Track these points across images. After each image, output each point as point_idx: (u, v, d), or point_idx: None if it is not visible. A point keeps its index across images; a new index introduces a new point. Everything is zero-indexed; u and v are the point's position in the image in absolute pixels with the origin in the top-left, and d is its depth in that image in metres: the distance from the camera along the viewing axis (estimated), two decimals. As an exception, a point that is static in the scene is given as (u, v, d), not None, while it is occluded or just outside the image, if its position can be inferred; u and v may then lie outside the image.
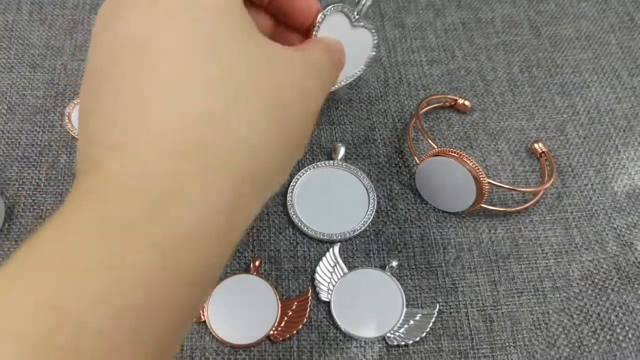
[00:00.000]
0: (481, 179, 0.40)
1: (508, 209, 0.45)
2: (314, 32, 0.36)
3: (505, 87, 0.52)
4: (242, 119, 0.25)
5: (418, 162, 0.44)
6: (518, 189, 0.43)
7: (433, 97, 0.49)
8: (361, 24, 0.39)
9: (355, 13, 0.38)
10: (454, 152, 0.41)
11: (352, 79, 0.42)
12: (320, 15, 0.36)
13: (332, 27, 0.37)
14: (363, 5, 0.38)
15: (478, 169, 0.40)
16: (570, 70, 0.53)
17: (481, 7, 0.57)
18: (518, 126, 0.50)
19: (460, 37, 0.55)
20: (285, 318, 0.40)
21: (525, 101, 0.51)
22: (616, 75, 0.52)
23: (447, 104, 0.50)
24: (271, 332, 0.40)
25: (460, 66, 0.53)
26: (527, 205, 0.45)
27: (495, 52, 0.54)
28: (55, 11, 0.57)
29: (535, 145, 0.47)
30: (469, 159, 0.40)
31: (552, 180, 0.44)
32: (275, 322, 0.40)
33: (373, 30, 0.40)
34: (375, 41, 0.41)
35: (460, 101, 0.49)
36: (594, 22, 0.56)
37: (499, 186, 0.42)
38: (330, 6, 0.36)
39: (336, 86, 0.42)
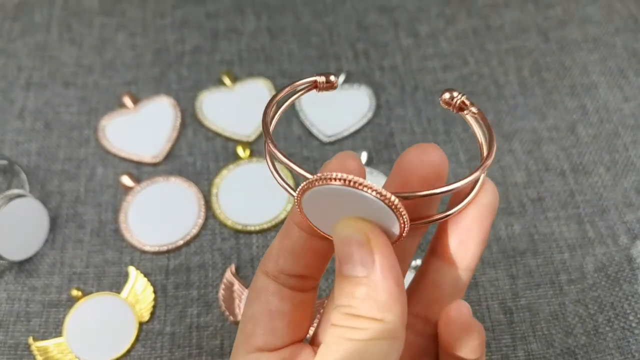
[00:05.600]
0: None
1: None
2: None
3: (516, 90, 0.54)
4: None
5: None
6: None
7: None
8: None
9: None
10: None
11: None
12: None
13: None
14: None
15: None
16: (579, 72, 0.55)
17: (490, 14, 0.60)
18: (530, 127, 0.52)
19: (471, 44, 0.58)
20: (318, 316, 0.43)
21: (536, 103, 0.53)
22: (623, 76, 0.55)
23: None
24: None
25: (473, 71, 0.56)
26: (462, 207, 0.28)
27: (506, 57, 0.56)
28: (84, 31, 0.60)
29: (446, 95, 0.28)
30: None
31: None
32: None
33: None
34: None
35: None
36: (600, 25, 0.58)
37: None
38: None
39: None
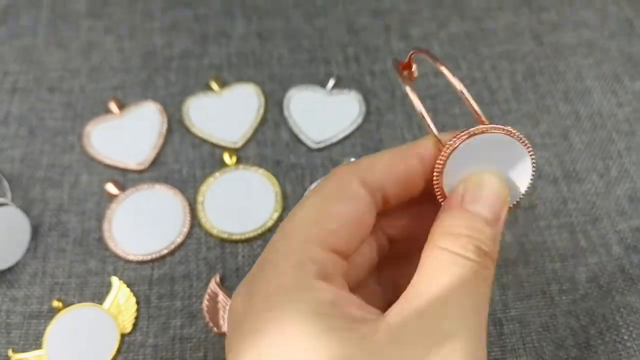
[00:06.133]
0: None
1: None
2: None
3: (509, 95, 0.53)
4: None
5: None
6: None
7: None
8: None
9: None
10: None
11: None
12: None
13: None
14: None
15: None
16: (573, 76, 0.54)
17: (484, 17, 0.59)
18: (523, 133, 0.50)
19: (464, 47, 0.57)
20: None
21: (529, 108, 0.53)
22: (617, 80, 0.54)
23: None
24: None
25: (465, 76, 0.55)
26: None
27: (499, 61, 0.56)
28: (71, 34, 0.59)
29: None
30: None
31: None
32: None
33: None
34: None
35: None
36: (595, 29, 0.57)
37: None
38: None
39: None
